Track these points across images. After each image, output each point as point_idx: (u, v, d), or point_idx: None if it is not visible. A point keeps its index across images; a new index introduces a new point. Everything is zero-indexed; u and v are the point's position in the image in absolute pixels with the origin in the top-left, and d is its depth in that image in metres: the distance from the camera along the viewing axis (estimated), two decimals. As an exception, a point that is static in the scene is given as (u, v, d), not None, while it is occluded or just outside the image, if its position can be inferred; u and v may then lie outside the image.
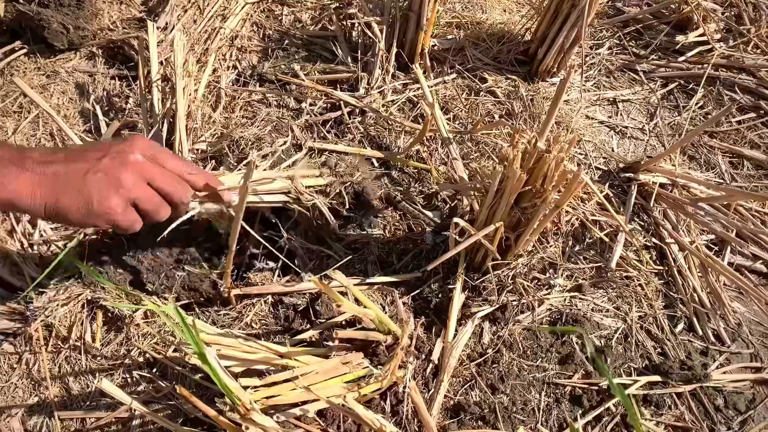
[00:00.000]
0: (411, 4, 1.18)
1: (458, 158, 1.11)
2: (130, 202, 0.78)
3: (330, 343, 0.88)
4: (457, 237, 0.93)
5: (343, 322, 0.96)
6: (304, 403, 0.75)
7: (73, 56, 1.29)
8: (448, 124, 1.21)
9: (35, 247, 1.05)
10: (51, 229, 1.07)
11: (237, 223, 0.83)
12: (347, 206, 1.00)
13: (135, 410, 0.89)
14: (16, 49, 1.27)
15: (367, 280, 1.03)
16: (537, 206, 0.87)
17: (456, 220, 0.91)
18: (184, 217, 0.88)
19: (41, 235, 1.05)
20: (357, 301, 0.85)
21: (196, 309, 1.00)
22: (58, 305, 0.96)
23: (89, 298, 0.97)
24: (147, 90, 1.13)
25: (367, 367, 0.86)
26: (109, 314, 0.98)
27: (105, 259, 1.00)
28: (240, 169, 1.03)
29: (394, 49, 1.24)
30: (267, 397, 0.72)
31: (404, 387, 0.91)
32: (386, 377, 0.82)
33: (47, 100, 1.20)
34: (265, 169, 0.97)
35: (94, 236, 1.02)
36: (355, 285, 1.00)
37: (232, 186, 0.90)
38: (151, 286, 0.99)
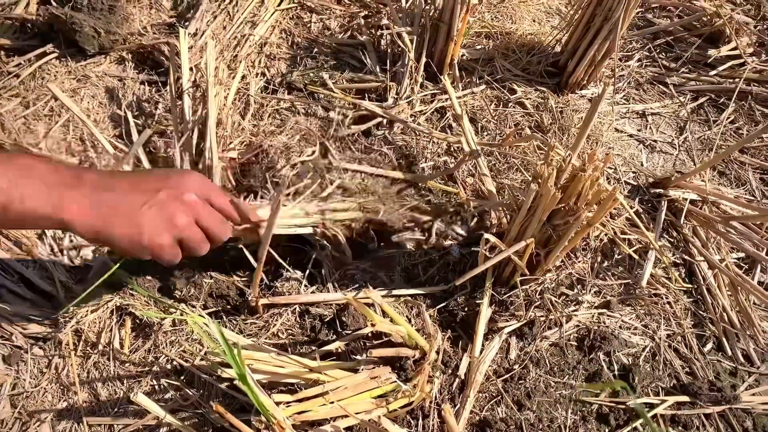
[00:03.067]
0: (442, 14, 1.18)
1: (487, 172, 1.10)
2: (178, 240, 0.80)
3: (359, 357, 0.88)
4: (487, 253, 0.93)
5: (370, 334, 0.95)
6: (334, 419, 0.75)
7: (104, 60, 1.30)
8: (476, 135, 1.21)
9: (65, 252, 1.05)
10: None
11: (266, 240, 0.84)
12: (375, 243, 1.03)
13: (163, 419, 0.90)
14: (48, 52, 1.27)
15: (394, 292, 1.03)
16: (569, 224, 0.86)
17: (486, 236, 0.90)
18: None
19: (71, 241, 1.06)
20: (384, 314, 0.85)
21: (224, 317, 1.00)
22: (87, 311, 0.96)
23: (118, 304, 0.97)
24: (178, 96, 1.14)
25: (395, 382, 0.86)
26: (137, 321, 0.98)
27: (132, 266, 1.01)
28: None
29: (424, 59, 1.23)
30: (298, 413, 0.72)
31: (431, 402, 0.91)
32: (416, 394, 0.82)
33: (77, 104, 1.21)
34: (299, 201, 0.99)
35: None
36: (381, 296, 1.00)
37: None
38: (179, 293, 1.00)
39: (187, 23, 1.30)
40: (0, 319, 0.98)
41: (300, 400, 0.73)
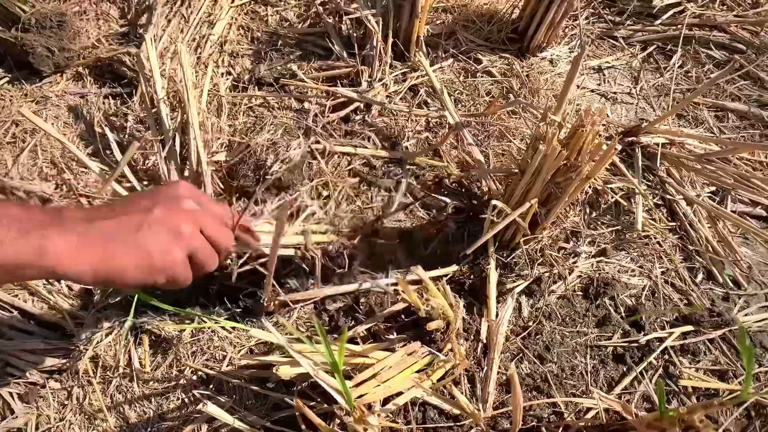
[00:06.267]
0: (403, -8, 1.19)
1: (473, 143, 1.13)
2: (188, 254, 0.73)
3: (391, 336, 0.90)
4: (494, 218, 0.96)
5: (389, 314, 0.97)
6: (390, 398, 0.76)
7: (60, 79, 1.24)
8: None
9: (62, 281, 1.02)
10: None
11: (274, 252, 0.83)
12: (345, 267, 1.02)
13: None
14: (-1, 77, 1.22)
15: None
16: (571, 179, 0.90)
17: (494, 202, 0.93)
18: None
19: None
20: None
21: (241, 320, 0.99)
22: (102, 336, 0.94)
23: (132, 324, 0.95)
24: (151, 105, 1.11)
25: (431, 353, 0.88)
26: (154, 337, 0.96)
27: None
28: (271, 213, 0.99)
29: (390, 40, 1.24)
30: (357, 397, 0.73)
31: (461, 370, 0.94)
32: (455, 361, 0.84)
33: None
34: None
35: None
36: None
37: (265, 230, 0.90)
38: (191, 304, 0.99)
39: (143, 30, 1.26)
40: (8, 357, 0.94)
41: (357, 385, 0.74)
